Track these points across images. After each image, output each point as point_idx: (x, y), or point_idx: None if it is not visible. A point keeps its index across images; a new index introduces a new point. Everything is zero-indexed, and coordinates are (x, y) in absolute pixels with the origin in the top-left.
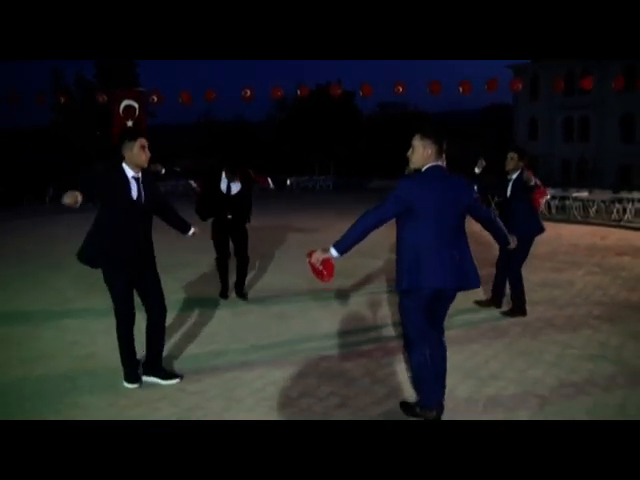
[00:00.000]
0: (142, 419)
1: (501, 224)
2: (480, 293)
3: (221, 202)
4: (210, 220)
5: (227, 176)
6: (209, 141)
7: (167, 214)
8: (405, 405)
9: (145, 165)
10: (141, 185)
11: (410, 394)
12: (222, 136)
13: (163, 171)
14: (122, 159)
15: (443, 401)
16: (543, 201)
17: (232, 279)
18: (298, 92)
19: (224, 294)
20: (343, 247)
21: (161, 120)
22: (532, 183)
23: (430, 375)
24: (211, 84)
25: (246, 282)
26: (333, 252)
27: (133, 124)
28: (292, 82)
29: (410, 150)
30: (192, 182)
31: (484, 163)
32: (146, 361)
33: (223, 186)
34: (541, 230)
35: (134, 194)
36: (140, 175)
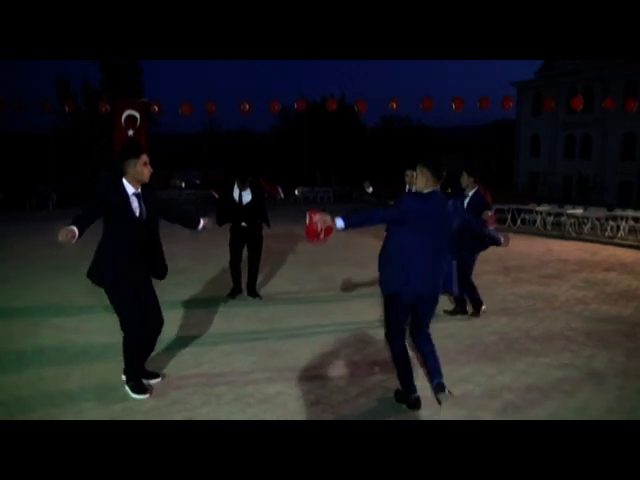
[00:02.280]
0: (127, 412)
1: (488, 230)
2: (448, 303)
3: (235, 211)
4: (228, 227)
5: (238, 186)
6: (213, 151)
7: (172, 217)
8: (396, 392)
9: (147, 181)
10: (142, 201)
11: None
12: (226, 146)
13: (183, 184)
14: (122, 174)
15: (443, 380)
16: (493, 225)
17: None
18: (296, 105)
19: (233, 294)
20: (348, 224)
21: (165, 128)
22: (489, 215)
23: (406, 365)
24: (212, 95)
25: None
26: (340, 223)
27: (134, 133)
28: (294, 95)
29: (415, 175)
30: (214, 193)
31: (368, 183)
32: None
33: (235, 196)
34: (493, 243)
35: (136, 211)
36: (140, 190)
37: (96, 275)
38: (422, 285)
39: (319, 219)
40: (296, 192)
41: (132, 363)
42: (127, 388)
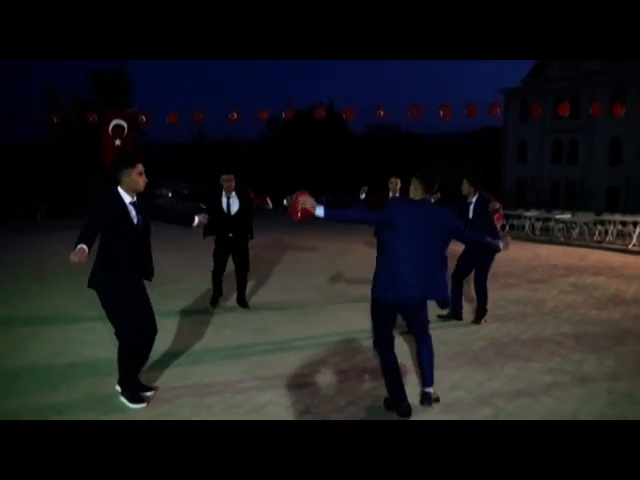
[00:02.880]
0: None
1: (484, 238)
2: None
3: (223, 221)
4: (212, 237)
5: (226, 193)
6: (202, 160)
7: (169, 218)
8: (385, 400)
9: (142, 190)
10: (138, 209)
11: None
12: (214, 155)
13: (170, 194)
14: (117, 184)
15: (431, 389)
16: (500, 223)
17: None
18: (283, 114)
19: (214, 302)
20: (327, 215)
21: (153, 138)
22: (497, 207)
23: (395, 373)
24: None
25: (227, 297)
26: (320, 211)
27: (121, 143)
28: (282, 102)
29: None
30: (201, 205)
31: (366, 188)
32: None
33: (224, 206)
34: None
35: (134, 220)
36: (135, 199)
37: (95, 283)
38: (406, 290)
39: (302, 200)
40: (284, 202)
41: (128, 373)
42: (123, 399)
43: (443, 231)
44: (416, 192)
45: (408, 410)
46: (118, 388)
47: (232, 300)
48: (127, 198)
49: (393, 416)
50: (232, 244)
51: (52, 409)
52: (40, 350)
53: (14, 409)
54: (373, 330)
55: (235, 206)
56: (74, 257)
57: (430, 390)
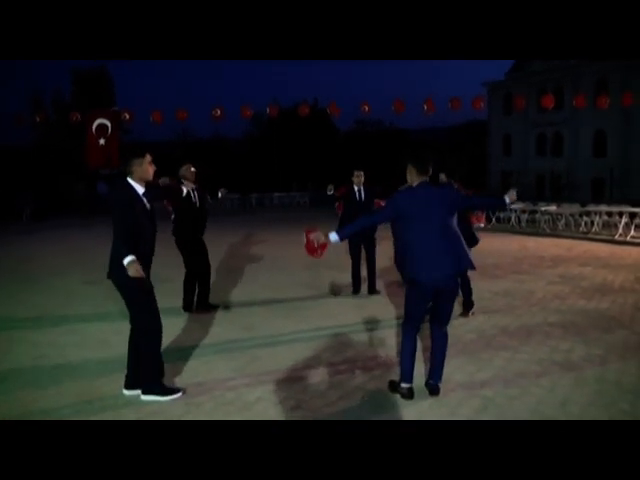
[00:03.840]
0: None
1: (488, 199)
2: None
3: (195, 215)
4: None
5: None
6: (186, 158)
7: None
8: (391, 383)
9: (151, 179)
10: (147, 199)
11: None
12: (199, 153)
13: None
14: (127, 176)
15: (439, 383)
16: (480, 223)
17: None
18: (268, 111)
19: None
20: (342, 236)
21: (137, 135)
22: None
23: (412, 358)
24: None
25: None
26: (333, 238)
27: (105, 142)
28: (267, 100)
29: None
30: (167, 206)
31: (225, 191)
32: (134, 374)
33: (194, 199)
34: (475, 243)
35: (149, 210)
36: (144, 190)
37: (124, 277)
38: (437, 271)
39: (314, 237)
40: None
41: (155, 367)
42: (153, 397)
43: (450, 207)
44: (412, 177)
45: (411, 393)
46: (145, 397)
47: (221, 298)
48: (139, 189)
49: (384, 410)
50: (201, 243)
51: (40, 413)
52: (25, 353)
53: (1, 414)
54: (405, 313)
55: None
56: (136, 273)
57: (439, 383)
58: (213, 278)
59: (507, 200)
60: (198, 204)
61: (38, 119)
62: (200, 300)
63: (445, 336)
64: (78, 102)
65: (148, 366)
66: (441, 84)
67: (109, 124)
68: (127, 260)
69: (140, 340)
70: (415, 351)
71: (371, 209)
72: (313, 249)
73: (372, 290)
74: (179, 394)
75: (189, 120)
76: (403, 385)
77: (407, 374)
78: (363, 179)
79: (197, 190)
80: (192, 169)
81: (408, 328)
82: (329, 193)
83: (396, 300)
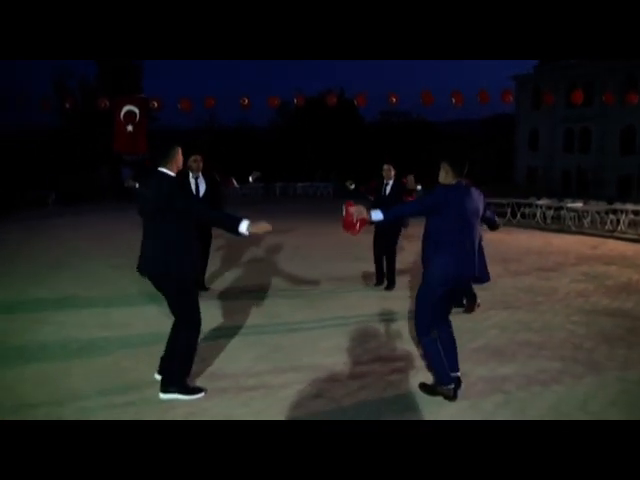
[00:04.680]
0: (130, 407)
1: (494, 216)
2: None
3: None
4: None
5: (193, 173)
6: (213, 146)
7: None
8: (424, 386)
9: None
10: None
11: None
12: (226, 141)
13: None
14: (163, 166)
15: (459, 374)
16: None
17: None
18: (295, 101)
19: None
20: (385, 217)
21: (165, 123)
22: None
23: (439, 358)
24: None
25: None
26: (376, 215)
27: (133, 129)
28: (293, 89)
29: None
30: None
31: (257, 174)
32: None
33: (193, 187)
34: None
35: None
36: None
37: (180, 271)
38: (463, 270)
39: (355, 210)
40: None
41: (191, 362)
42: (181, 396)
43: (480, 210)
44: (447, 177)
45: (455, 393)
46: (166, 396)
47: (246, 286)
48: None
49: (402, 402)
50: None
51: (67, 391)
52: (53, 334)
53: (27, 392)
54: (421, 312)
55: (202, 186)
56: (264, 230)
57: (459, 374)
58: (239, 266)
59: (498, 223)
60: (201, 193)
61: (68, 105)
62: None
63: (450, 325)
64: (105, 88)
65: (183, 362)
66: (469, 76)
67: (137, 111)
68: (246, 224)
69: (185, 334)
70: (440, 351)
71: (396, 203)
72: (351, 224)
73: (390, 285)
74: (201, 394)
75: (215, 108)
76: (445, 387)
77: (445, 376)
78: (393, 173)
79: (203, 178)
80: (197, 160)
81: (425, 334)
82: (350, 188)
83: None
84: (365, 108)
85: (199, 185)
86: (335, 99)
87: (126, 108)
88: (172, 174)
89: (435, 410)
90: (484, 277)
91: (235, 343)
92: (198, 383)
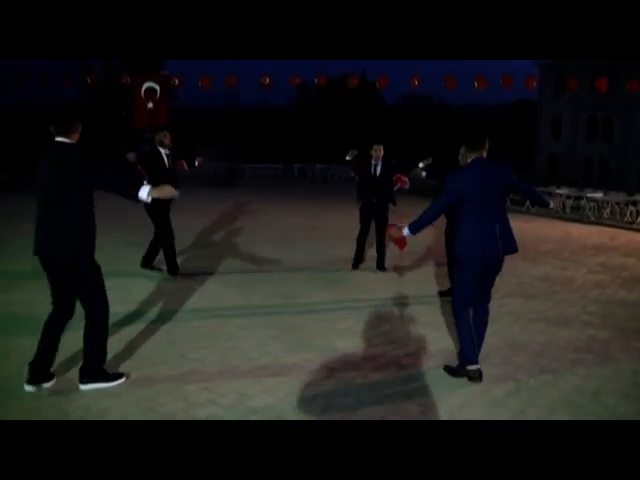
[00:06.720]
0: (143, 381)
1: (539, 194)
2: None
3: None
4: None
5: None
6: (233, 125)
7: None
8: (449, 368)
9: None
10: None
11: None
12: (247, 119)
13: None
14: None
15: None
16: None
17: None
18: (316, 81)
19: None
20: (413, 230)
21: (185, 100)
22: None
23: (470, 337)
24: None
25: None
26: (406, 232)
27: (154, 106)
28: (314, 69)
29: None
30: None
31: (355, 152)
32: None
33: (166, 162)
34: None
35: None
36: None
37: (90, 255)
38: (489, 251)
39: (390, 234)
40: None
41: (104, 354)
42: (100, 384)
43: (504, 187)
44: (466, 155)
45: (480, 374)
46: (83, 387)
47: (261, 264)
48: None
49: (415, 386)
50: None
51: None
52: None
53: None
54: (454, 289)
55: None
56: (167, 192)
57: (480, 365)
58: (258, 247)
59: (551, 205)
60: (170, 168)
61: (89, 80)
62: (148, 258)
63: (488, 313)
64: (128, 65)
65: (102, 352)
66: (492, 61)
67: (158, 88)
68: (146, 189)
69: (102, 323)
70: (470, 330)
71: (386, 183)
72: (398, 243)
73: (380, 266)
74: (123, 379)
75: (235, 87)
76: (471, 368)
77: (473, 355)
78: (382, 153)
79: (170, 155)
80: (168, 136)
81: (460, 310)
82: (347, 158)
83: (436, 279)
84: (387, 91)
85: (170, 161)
86: (356, 81)
87: (147, 85)
88: (75, 144)
89: (445, 394)
90: (512, 251)
91: (249, 322)
92: (210, 359)
